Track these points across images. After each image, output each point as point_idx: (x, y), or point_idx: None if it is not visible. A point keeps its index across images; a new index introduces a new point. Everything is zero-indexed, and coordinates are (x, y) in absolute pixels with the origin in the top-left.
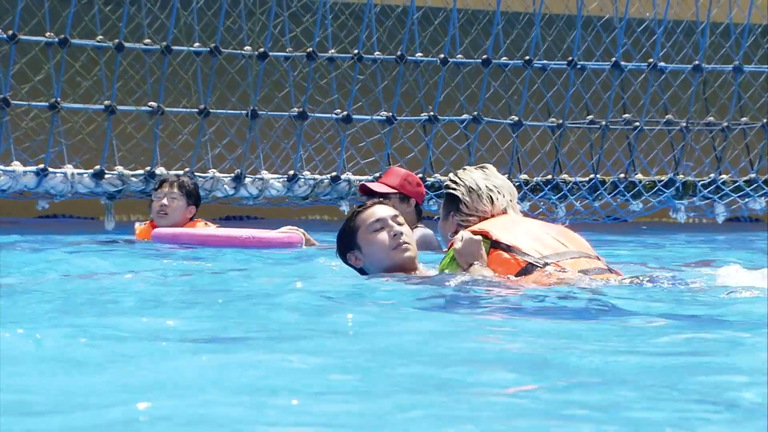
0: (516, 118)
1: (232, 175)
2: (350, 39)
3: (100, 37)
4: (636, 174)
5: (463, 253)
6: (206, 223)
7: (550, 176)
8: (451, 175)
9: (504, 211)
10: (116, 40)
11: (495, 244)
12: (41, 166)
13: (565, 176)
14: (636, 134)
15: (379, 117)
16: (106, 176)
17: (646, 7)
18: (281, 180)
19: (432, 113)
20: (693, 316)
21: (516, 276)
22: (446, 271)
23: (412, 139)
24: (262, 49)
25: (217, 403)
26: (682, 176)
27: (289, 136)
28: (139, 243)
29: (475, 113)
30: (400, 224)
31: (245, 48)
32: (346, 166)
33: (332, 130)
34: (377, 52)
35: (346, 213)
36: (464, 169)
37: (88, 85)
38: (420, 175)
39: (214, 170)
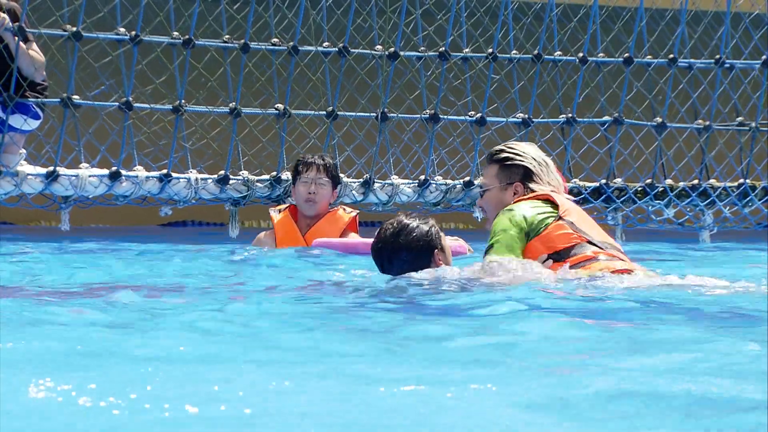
0: (660, 120)
1: (361, 180)
2: (485, 37)
3: (227, 36)
4: None
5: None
6: (345, 209)
7: (696, 181)
8: (501, 147)
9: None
10: (242, 41)
11: (560, 218)
12: (164, 171)
13: (712, 182)
14: None
15: (515, 119)
16: (231, 182)
17: None
18: (412, 185)
19: (570, 115)
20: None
21: (568, 252)
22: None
23: (550, 142)
24: (393, 49)
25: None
26: None
27: (421, 139)
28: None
29: (616, 115)
30: None
31: (375, 48)
32: (480, 171)
33: (466, 132)
34: (513, 51)
35: (479, 220)
36: (514, 141)
37: (211, 86)
38: None
39: (342, 175)
